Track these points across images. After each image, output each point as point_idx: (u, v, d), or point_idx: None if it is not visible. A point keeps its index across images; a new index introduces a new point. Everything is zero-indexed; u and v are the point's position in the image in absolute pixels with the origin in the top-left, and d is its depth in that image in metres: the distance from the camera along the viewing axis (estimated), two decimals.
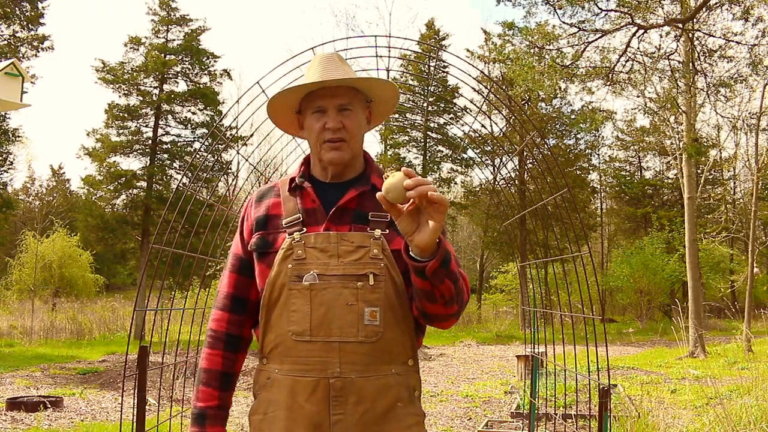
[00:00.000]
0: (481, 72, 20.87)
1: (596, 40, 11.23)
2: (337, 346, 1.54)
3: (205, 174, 16.27)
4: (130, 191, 20.86)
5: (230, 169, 23.00)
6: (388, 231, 1.60)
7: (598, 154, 31.19)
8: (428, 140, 26.09)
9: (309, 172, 1.72)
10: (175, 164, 21.25)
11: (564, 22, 11.13)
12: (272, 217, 1.68)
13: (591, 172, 30.18)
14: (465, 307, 1.59)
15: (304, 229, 1.62)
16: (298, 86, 1.67)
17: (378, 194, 1.40)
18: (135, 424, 3.06)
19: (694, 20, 11.15)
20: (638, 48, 11.70)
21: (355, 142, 1.66)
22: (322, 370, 1.54)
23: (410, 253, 1.44)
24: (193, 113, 21.56)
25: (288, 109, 1.73)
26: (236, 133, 20.01)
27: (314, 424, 1.54)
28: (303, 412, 1.55)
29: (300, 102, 1.70)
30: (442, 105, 23.99)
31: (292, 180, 1.70)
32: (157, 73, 20.72)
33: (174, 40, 21.33)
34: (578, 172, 27.22)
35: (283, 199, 1.70)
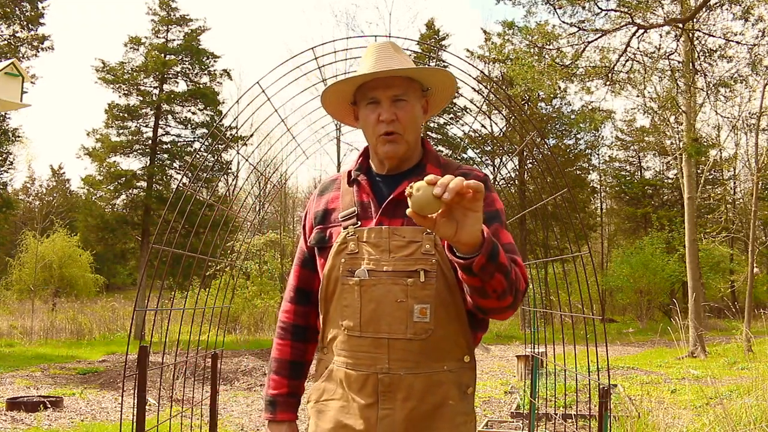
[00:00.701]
0: (481, 72, 20.87)
1: (596, 39, 11.24)
2: (386, 342, 1.54)
3: (205, 174, 16.28)
4: (130, 191, 20.85)
5: (230, 169, 23.02)
6: None
7: (598, 154, 31.21)
8: (428, 140, 26.10)
9: (368, 164, 1.71)
10: (175, 164, 21.25)
11: (564, 22, 11.14)
12: (330, 211, 1.69)
13: (591, 172, 30.19)
14: (523, 296, 1.50)
15: (359, 223, 1.61)
16: (349, 78, 1.64)
17: (408, 211, 1.30)
18: (135, 424, 3.05)
19: (694, 20, 11.16)
20: (638, 48, 11.71)
21: (410, 134, 1.63)
22: (371, 365, 1.55)
23: (454, 251, 1.36)
24: (193, 113, 21.56)
25: (343, 101, 1.72)
26: (236, 133, 20.05)
27: (363, 417, 1.56)
28: (354, 404, 1.57)
29: (354, 93, 1.68)
30: None
31: (350, 173, 1.70)
32: (157, 73, 20.71)
33: (174, 40, 21.33)
34: (578, 172, 27.22)
35: (342, 192, 1.69)
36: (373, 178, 1.68)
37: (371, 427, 1.55)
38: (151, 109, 20.89)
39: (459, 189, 1.25)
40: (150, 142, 20.83)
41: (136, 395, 3.09)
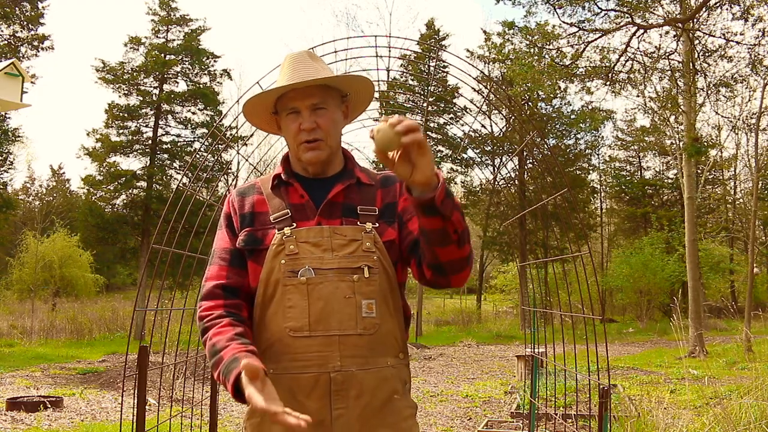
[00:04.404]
0: (481, 72, 20.87)
1: (596, 39, 11.25)
2: (337, 339, 1.54)
3: (205, 174, 16.27)
4: (130, 191, 20.87)
5: (230, 169, 23.02)
6: (378, 224, 1.61)
7: (598, 154, 31.18)
8: (428, 140, 26.04)
9: (292, 170, 1.71)
10: (175, 164, 21.25)
11: (564, 22, 11.14)
12: (258, 214, 1.65)
13: (591, 172, 30.16)
14: (473, 257, 1.59)
15: (294, 224, 1.60)
16: (267, 91, 1.67)
17: (375, 149, 1.37)
18: (135, 424, 3.06)
19: (694, 20, 11.16)
20: (638, 48, 11.72)
21: (332, 140, 1.65)
22: (322, 365, 1.53)
23: (414, 196, 1.41)
24: (193, 113, 21.57)
25: (264, 111, 1.73)
26: (236, 133, 20.03)
27: (316, 420, 1.51)
28: (303, 409, 1.49)
29: (275, 103, 1.70)
30: (442, 105, 24.00)
31: (275, 177, 1.69)
32: (157, 73, 20.73)
33: (174, 40, 21.34)
34: (578, 172, 27.19)
35: (267, 196, 1.68)
36: (304, 182, 1.68)
37: (326, 430, 1.53)
38: (151, 109, 20.91)
39: (419, 141, 1.34)
40: (150, 142, 20.84)
41: (136, 395, 3.09)
